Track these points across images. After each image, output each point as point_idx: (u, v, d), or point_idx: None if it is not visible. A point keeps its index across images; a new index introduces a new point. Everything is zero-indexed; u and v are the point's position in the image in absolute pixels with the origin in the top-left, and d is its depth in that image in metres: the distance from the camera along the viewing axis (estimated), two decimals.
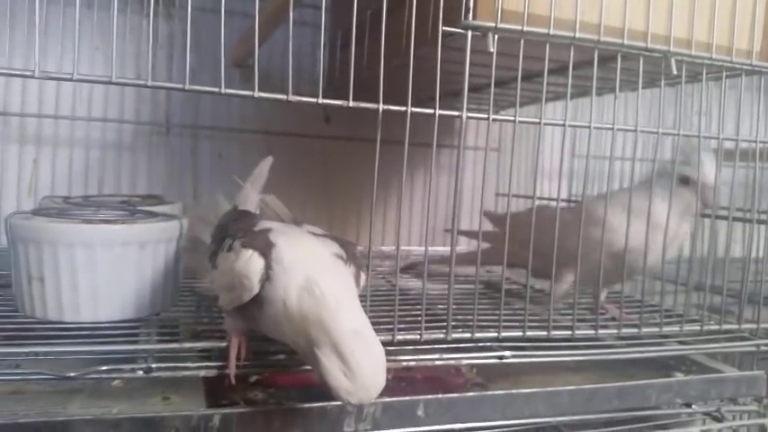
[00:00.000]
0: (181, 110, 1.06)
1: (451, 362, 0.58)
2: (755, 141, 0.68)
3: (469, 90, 0.62)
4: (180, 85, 0.53)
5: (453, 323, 0.60)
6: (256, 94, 0.54)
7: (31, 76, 0.49)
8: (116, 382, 0.54)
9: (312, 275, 0.46)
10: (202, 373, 0.51)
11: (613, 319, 0.71)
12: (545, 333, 0.61)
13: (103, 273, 0.59)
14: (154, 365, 0.49)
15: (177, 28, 1.02)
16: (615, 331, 0.66)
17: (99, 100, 1.02)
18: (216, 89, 0.53)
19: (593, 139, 0.66)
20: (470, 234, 0.96)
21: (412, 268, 0.94)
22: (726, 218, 0.72)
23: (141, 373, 0.49)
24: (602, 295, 0.76)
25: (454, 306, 0.62)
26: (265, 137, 1.10)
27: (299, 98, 0.54)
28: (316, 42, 1.03)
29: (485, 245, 0.78)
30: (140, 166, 1.05)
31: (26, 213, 0.63)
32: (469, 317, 0.61)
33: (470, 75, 0.56)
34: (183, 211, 0.82)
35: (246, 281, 0.47)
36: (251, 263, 0.47)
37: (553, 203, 0.69)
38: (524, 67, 0.58)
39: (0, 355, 0.50)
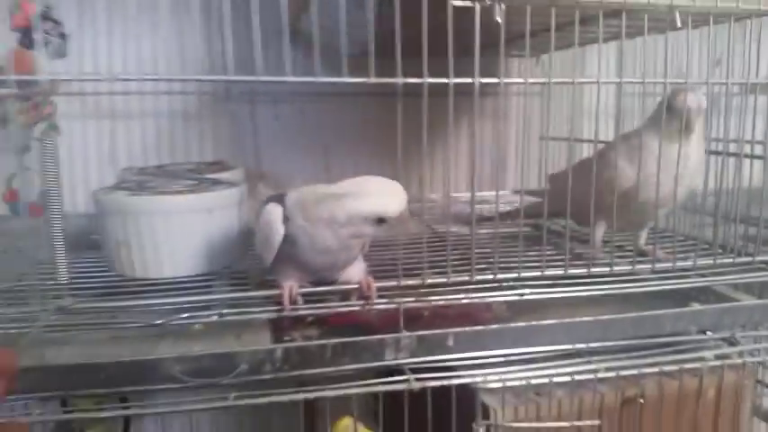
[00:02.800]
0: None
1: (476, 300, 0.66)
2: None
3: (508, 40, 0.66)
4: (223, 77, 0.61)
5: (482, 266, 0.68)
6: (318, 78, 0.61)
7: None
8: (197, 326, 0.65)
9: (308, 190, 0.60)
10: (264, 315, 0.61)
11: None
12: (562, 271, 0.68)
13: (178, 236, 0.69)
14: (225, 311, 0.60)
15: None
16: (650, 266, 0.72)
17: (163, 74, 1.11)
18: (254, 77, 0.61)
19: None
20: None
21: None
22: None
23: (216, 317, 0.59)
24: (643, 235, 0.83)
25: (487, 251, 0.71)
26: (317, 99, 1.18)
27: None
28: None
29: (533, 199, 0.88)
30: (206, 133, 1.16)
31: (109, 188, 0.74)
32: (509, 259, 0.69)
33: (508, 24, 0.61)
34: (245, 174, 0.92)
35: (271, 228, 0.60)
36: (272, 211, 0.61)
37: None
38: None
39: (102, 308, 0.61)
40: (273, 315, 0.61)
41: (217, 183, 0.76)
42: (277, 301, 0.62)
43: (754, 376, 0.75)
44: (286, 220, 0.60)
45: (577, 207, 0.71)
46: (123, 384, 0.58)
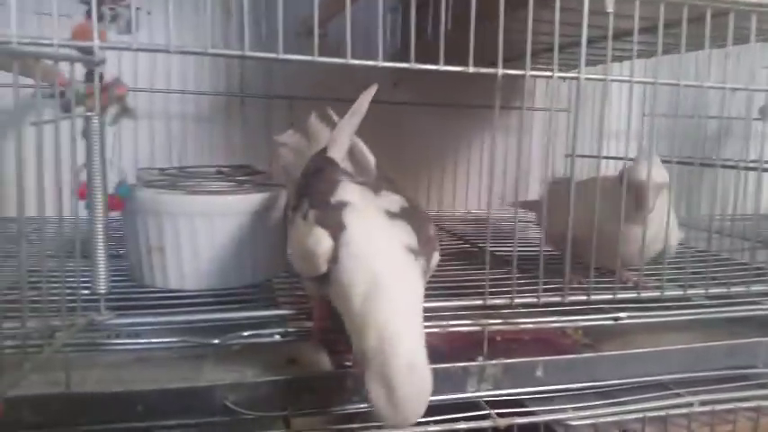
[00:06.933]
0: (254, 80, 1.08)
1: (567, 324, 0.58)
2: None
3: (544, 51, 0.60)
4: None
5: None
6: (349, 60, 0.54)
7: (128, 48, 0.50)
8: (236, 347, 0.56)
9: (379, 278, 0.45)
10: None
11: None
12: (659, 293, 0.61)
13: (221, 242, 0.60)
14: (290, 329, 0.51)
15: None
16: (703, 291, 0.66)
17: (177, 72, 1.03)
18: (309, 57, 0.54)
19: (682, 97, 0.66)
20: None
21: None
22: None
23: (278, 337, 0.51)
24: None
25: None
26: (334, 104, 1.10)
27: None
28: (392, 7, 1.04)
29: None
30: (219, 136, 1.07)
31: (138, 185, 0.65)
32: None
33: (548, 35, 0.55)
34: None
35: (315, 259, 0.47)
36: (320, 244, 0.47)
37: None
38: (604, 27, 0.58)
39: (156, 323, 0.53)
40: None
41: (260, 185, 0.67)
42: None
43: None
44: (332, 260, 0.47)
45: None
46: (166, 417, 0.48)
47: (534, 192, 1.18)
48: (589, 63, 0.97)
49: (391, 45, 1.06)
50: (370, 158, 0.61)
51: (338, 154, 0.58)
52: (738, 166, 0.71)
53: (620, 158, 1.00)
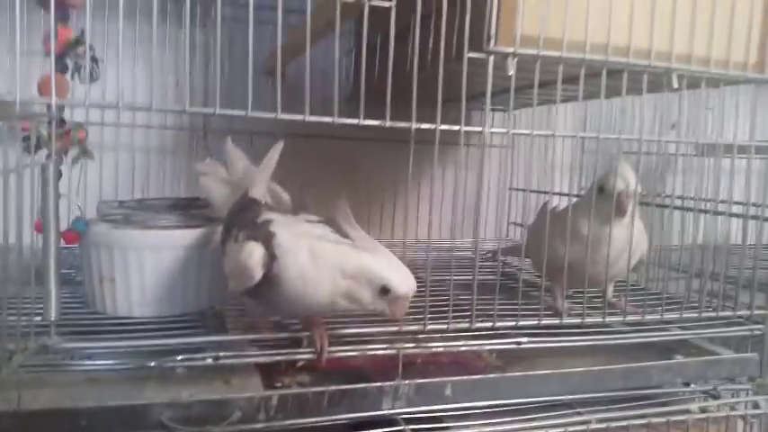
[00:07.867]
0: (217, 115, 1.14)
1: (475, 347, 0.65)
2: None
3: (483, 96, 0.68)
4: (211, 110, 0.60)
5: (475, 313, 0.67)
6: (279, 115, 0.60)
7: (82, 105, 0.59)
8: (179, 370, 0.62)
9: (317, 247, 0.56)
10: (261, 359, 0.59)
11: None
12: (558, 321, 0.68)
13: (168, 273, 0.67)
14: (221, 354, 0.57)
15: (213, 37, 1.08)
16: (621, 318, 0.73)
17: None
18: (243, 112, 0.60)
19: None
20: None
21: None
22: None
23: (210, 361, 0.57)
24: (610, 288, 0.82)
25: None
26: (294, 138, 1.17)
27: (316, 118, 0.61)
28: (348, 49, 1.11)
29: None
30: (181, 169, 1.13)
31: (94, 219, 0.71)
32: (490, 307, 0.68)
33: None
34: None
35: (249, 271, 0.55)
36: (254, 254, 0.55)
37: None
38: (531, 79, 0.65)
39: (101, 348, 0.60)
40: (270, 359, 0.59)
41: (207, 220, 0.73)
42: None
43: (734, 430, 0.76)
44: (269, 262, 0.56)
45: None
46: (109, 431, 0.54)
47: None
48: (526, 105, 1.07)
49: (346, 85, 1.14)
50: (285, 196, 0.74)
51: (259, 195, 0.68)
52: (652, 202, 0.78)
53: (545, 192, 1.09)
